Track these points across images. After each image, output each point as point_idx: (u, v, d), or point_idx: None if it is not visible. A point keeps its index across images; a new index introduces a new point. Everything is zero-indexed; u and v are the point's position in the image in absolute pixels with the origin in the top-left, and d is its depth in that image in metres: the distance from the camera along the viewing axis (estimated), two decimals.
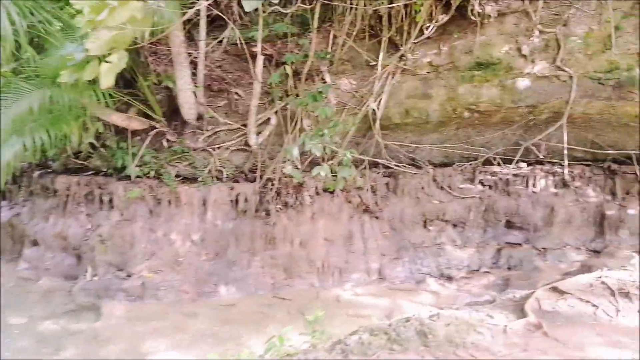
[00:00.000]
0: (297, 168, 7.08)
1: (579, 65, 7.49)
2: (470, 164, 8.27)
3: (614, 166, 8.12)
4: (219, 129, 7.39)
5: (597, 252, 8.02)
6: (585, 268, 7.05)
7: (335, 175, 6.99)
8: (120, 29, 4.92)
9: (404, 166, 8.11)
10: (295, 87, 7.42)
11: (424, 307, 6.87)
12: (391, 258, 7.74)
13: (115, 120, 7.23)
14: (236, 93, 7.33)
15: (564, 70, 7.48)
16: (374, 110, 7.58)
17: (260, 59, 6.82)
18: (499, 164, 8.28)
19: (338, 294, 7.33)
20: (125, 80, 7.38)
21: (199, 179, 7.40)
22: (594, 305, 3.28)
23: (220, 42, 7.54)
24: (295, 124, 7.41)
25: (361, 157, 7.83)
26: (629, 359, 2.70)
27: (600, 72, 7.47)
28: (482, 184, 8.31)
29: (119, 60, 5.23)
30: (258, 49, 6.75)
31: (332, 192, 7.71)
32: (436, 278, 7.65)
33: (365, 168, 7.94)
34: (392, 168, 8.08)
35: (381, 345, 3.03)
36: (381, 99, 7.55)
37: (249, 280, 7.33)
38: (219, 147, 7.42)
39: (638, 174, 8.02)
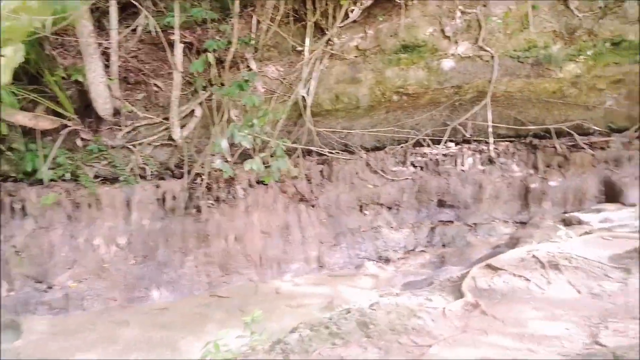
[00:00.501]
0: (226, 161, 6.78)
1: (499, 45, 7.72)
2: (402, 147, 8.34)
3: (535, 141, 8.51)
4: (138, 124, 6.91)
5: (523, 224, 8.39)
6: (514, 240, 7.34)
7: (269, 167, 6.78)
8: (14, 18, 4.38)
9: (338, 152, 8.04)
10: (220, 75, 7.08)
11: (363, 292, 6.89)
12: (329, 245, 7.68)
13: (21, 120, 6.55)
14: (155, 84, 6.88)
15: (485, 50, 7.67)
16: (303, 97, 7.41)
17: (178, 47, 6.42)
18: (428, 145, 8.42)
19: (278, 286, 7.17)
20: (30, 76, 6.70)
21: (121, 179, 6.91)
22: (527, 280, 3.35)
23: (134, 30, 7.02)
24: (222, 115, 7.09)
25: (294, 145, 7.67)
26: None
27: (520, 51, 7.74)
28: (414, 166, 8.43)
29: (14, 54, 4.67)
30: (176, 36, 6.35)
31: (266, 184, 7.50)
32: (374, 261, 7.69)
33: (298, 157, 7.79)
34: (326, 155, 7.99)
35: (322, 340, 2.90)
36: (310, 85, 7.40)
37: (183, 281, 6.99)
38: (140, 144, 6.96)
39: (557, 147, 8.45)
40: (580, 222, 7.69)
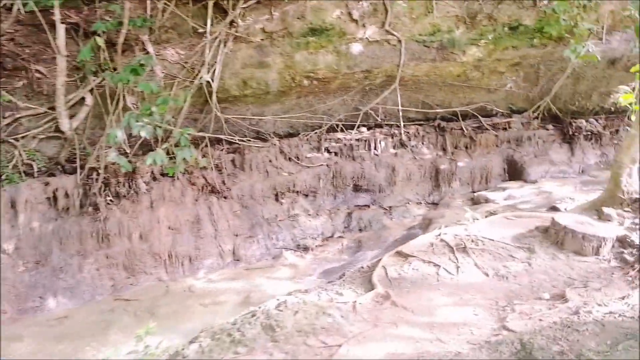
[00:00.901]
0: (124, 154, 6.21)
1: (405, 29, 7.75)
2: (315, 133, 8.19)
3: (443, 124, 8.74)
4: (19, 115, 6.12)
5: (435, 205, 8.64)
6: (426, 221, 7.51)
7: (174, 158, 6.30)
8: None
9: (249, 140, 7.72)
10: (112, 60, 6.44)
11: (282, 283, 6.70)
12: (245, 237, 7.38)
13: None
14: (37, 71, 6.09)
15: (392, 34, 7.66)
16: (208, 82, 6.97)
17: (60, 29, 5.73)
18: (342, 130, 8.35)
19: (190, 284, 6.78)
20: None
21: (3, 177, 6.11)
22: (436, 265, 3.34)
23: (10, 9, 6.17)
24: (117, 103, 6.47)
25: (201, 134, 7.23)
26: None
27: (425, 35, 7.83)
28: (329, 151, 8.32)
29: None
30: (56, 16, 5.65)
31: (172, 176, 7.01)
32: (293, 250, 7.53)
33: (207, 146, 7.36)
34: (237, 143, 7.63)
35: (224, 349, 2.65)
36: (215, 70, 6.96)
37: (83, 286, 6.38)
38: (22, 137, 6.18)
39: (464, 129, 8.73)
40: (487, 201, 8.04)
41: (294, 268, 7.14)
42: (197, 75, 6.92)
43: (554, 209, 4.91)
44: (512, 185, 8.44)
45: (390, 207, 8.38)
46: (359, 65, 7.67)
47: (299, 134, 8.15)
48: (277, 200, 7.83)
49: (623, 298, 2.75)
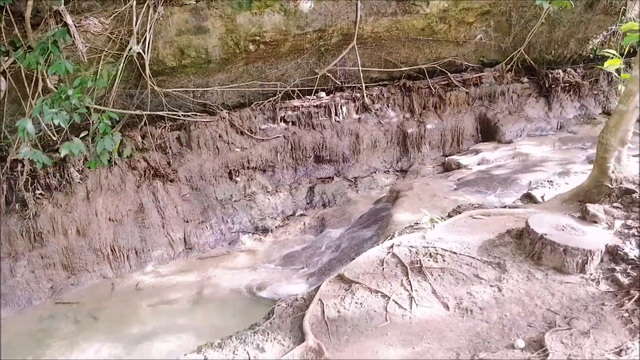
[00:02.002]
0: (36, 147, 5.47)
1: None
2: (269, 101, 7.47)
3: (409, 83, 8.03)
4: None
5: (404, 172, 8.07)
6: (394, 193, 6.95)
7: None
8: None
9: (194, 115, 6.98)
10: (25, 36, 5.59)
11: (239, 273, 6.18)
12: (196, 223, 6.79)
13: None
14: None
15: None
16: (140, 54, 6.16)
17: None
18: (298, 97, 7.63)
19: (139, 280, 6.23)
20: None
21: None
22: (385, 296, 2.70)
23: None
24: (36, 86, 5.68)
25: (137, 112, 6.48)
26: None
27: None
28: (285, 121, 7.63)
29: None
30: None
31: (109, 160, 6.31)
32: (250, 234, 6.96)
33: (145, 125, 6.63)
34: (181, 119, 6.90)
35: None
36: (147, 39, 6.13)
37: (17, 291, 5.81)
38: None
39: (431, 87, 8.05)
40: (459, 166, 7.49)
41: (252, 254, 6.60)
42: (126, 47, 6.09)
43: (529, 197, 4.21)
44: (486, 147, 7.86)
45: (355, 178, 7.80)
46: (311, 24, 6.86)
47: (251, 104, 7.42)
48: (231, 179, 7.19)
49: (619, 352, 2.13)
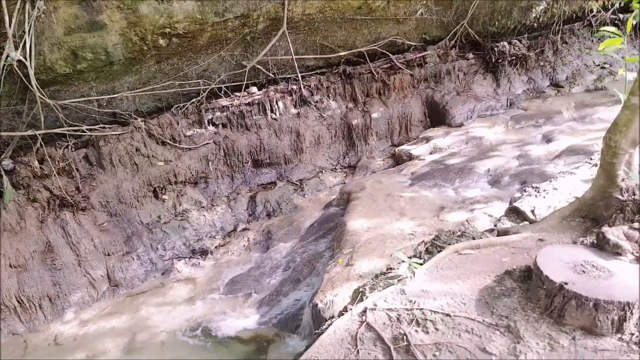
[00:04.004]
0: None
1: None
2: (192, 103, 6.47)
3: (349, 69, 7.25)
4: None
5: (352, 168, 7.35)
6: (345, 196, 6.22)
7: None
8: None
9: (102, 128, 5.89)
10: None
11: (178, 309, 5.27)
12: (120, 255, 5.77)
13: None
14: None
15: None
16: (21, 62, 4.98)
17: None
18: (227, 95, 6.67)
19: (57, 333, 5.18)
20: None
21: None
22: None
23: None
24: None
25: (27, 134, 5.32)
26: None
27: None
28: (214, 124, 6.67)
29: None
30: None
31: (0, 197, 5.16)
32: (187, 259, 6.02)
33: (42, 146, 5.48)
34: (86, 134, 5.79)
35: None
36: (27, 43, 4.96)
37: None
38: None
39: (374, 72, 7.32)
40: (410, 157, 6.86)
41: (191, 283, 5.69)
42: (1, 55, 4.90)
43: (515, 211, 3.47)
44: (437, 133, 7.27)
45: (300, 180, 6.99)
46: (231, 9, 5.89)
47: (171, 107, 6.40)
48: (156, 198, 6.19)
49: None
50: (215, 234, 6.31)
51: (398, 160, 6.96)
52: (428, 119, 7.66)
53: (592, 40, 8.79)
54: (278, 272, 5.42)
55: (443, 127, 7.42)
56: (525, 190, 3.69)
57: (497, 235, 2.89)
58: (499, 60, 7.95)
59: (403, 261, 2.55)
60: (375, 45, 7.26)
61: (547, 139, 6.73)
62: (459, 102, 7.58)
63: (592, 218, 2.79)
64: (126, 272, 5.71)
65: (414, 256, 2.95)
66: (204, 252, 6.09)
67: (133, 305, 5.45)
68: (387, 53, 7.36)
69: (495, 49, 7.94)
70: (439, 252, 2.76)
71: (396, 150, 7.14)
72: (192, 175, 6.41)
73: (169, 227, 6.12)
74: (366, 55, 7.23)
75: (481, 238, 2.87)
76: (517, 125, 7.25)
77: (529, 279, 2.36)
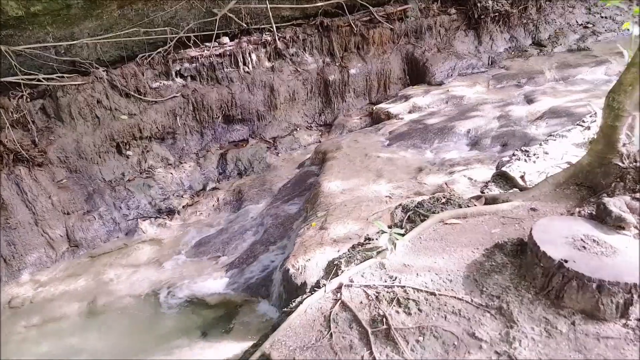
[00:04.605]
0: None
1: None
2: (159, 53, 6.03)
3: (327, 21, 6.86)
4: None
5: (328, 126, 7.09)
6: (319, 155, 5.99)
7: None
8: None
9: (61, 77, 5.44)
10: None
11: (142, 271, 5.04)
12: (81, 214, 5.46)
13: None
14: None
15: None
16: None
17: None
18: (196, 45, 6.24)
19: (12, 296, 4.93)
20: None
21: None
22: None
23: None
24: None
25: None
26: None
27: None
28: (182, 76, 6.27)
29: None
30: None
31: None
32: (152, 219, 5.75)
33: None
34: (43, 84, 5.34)
35: None
36: None
37: None
38: None
39: (352, 25, 6.95)
40: (388, 116, 6.62)
41: (156, 244, 5.44)
42: None
43: (504, 177, 3.14)
44: (416, 92, 7.02)
45: (274, 138, 6.71)
46: None
47: (136, 57, 5.95)
48: (120, 153, 5.84)
49: None
50: (183, 193, 6.03)
51: (376, 119, 6.72)
52: (407, 77, 7.39)
53: None
54: (249, 234, 5.21)
55: (423, 85, 7.18)
56: (513, 154, 3.49)
57: (485, 203, 2.71)
58: (482, 17, 7.66)
59: (383, 231, 2.35)
60: None
61: (529, 99, 6.57)
62: (439, 59, 7.31)
63: (588, 186, 2.61)
64: (87, 232, 5.41)
65: (395, 225, 2.75)
66: (170, 212, 5.82)
67: (94, 267, 5.19)
68: (367, 5, 6.98)
69: (478, 4, 7.63)
70: (422, 221, 2.56)
71: (374, 108, 6.89)
72: (159, 130, 6.05)
73: (133, 185, 5.80)
74: (345, 7, 6.84)
75: (468, 206, 2.67)
76: (499, 85, 7.05)
77: (522, 253, 2.17)
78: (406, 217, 2.68)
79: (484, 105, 6.47)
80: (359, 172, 5.31)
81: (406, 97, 6.86)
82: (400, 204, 4.46)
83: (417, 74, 7.31)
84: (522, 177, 2.98)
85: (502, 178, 3.13)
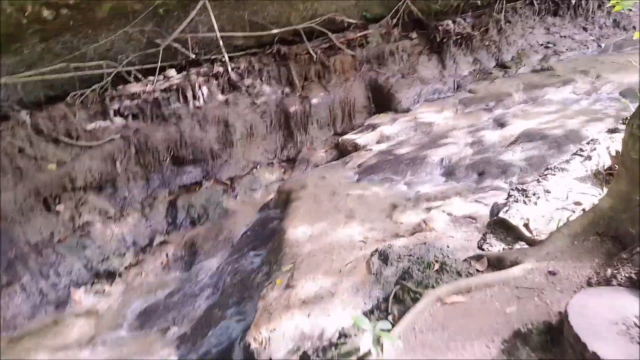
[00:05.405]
0: None
1: None
2: (93, 90, 5.27)
3: (284, 49, 6.31)
4: None
5: (291, 161, 6.46)
6: (283, 195, 5.32)
7: None
8: None
9: None
10: None
11: (72, 354, 4.15)
12: None
13: None
14: None
15: None
16: None
17: None
18: (137, 80, 5.53)
19: None
20: None
21: None
22: None
23: None
24: None
25: None
26: None
27: None
28: (122, 115, 5.52)
29: None
30: None
31: None
32: (88, 285, 4.86)
33: None
34: None
35: None
36: None
37: None
38: None
39: (312, 52, 6.43)
40: (356, 148, 6.07)
41: (93, 317, 4.54)
42: None
43: (503, 225, 2.56)
44: (383, 120, 6.52)
45: (231, 179, 5.99)
46: None
47: (67, 96, 5.16)
48: (48, 209, 4.96)
49: None
50: (126, 250, 5.18)
51: (342, 151, 6.15)
52: (373, 105, 6.90)
53: (534, 20, 8.43)
54: (203, 296, 4.43)
55: (389, 113, 6.70)
56: (510, 195, 2.92)
57: (488, 266, 2.11)
58: (444, 40, 7.34)
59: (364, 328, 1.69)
60: (312, 23, 6.37)
61: (500, 123, 6.20)
62: (404, 85, 6.88)
63: (612, 236, 2.06)
64: (6, 310, 4.44)
65: (377, 309, 2.10)
66: (111, 275, 4.95)
67: (14, 353, 4.24)
68: (326, 31, 6.50)
69: (440, 27, 7.31)
70: (413, 299, 1.92)
71: (340, 140, 6.32)
72: (95, 179, 5.23)
73: (64, 247, 4.91)
74: (303, 34, 6.33)
75: (469, 273, 2.06)
76: (467, 109, 6.67)
77: (555, 345, 1.56)
78: (392, 296, 2.02)
79: (454, 132, 6.04)
80: (327, 213, 4.68)
81: (373, 127, 6.34)
82: (376, 249, 3.87)
83: (383, 101, 6.84)
84: (526, 225, 2.41)
85: (502, 227, 2.53)
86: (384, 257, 3.71)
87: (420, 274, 2.09)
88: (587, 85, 7.03)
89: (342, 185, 5.24)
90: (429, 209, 4.47)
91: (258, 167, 6.21)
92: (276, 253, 4.21)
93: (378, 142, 6.08)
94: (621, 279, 1.78)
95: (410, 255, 3.77)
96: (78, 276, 4.82)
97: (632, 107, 5.74)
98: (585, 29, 8.71)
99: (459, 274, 2.04)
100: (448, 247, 3.77)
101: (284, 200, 5.29)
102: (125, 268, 5.00)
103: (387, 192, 5.04)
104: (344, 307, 3.34)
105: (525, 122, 6.07)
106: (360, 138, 6.20)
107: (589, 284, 1.83)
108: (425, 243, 3.82)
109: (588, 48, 8.47)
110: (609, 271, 1.85)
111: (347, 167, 5.66)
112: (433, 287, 1.96)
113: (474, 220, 4.26)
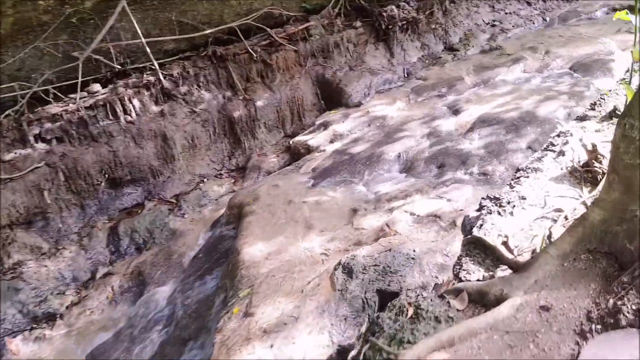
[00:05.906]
0: None
1: None
2: (7, 115, 4.69)
3: (220, 50, 5.86)
4: None
5: (241, 170, 6.05)
6: (234, 210, 4.93)
7: None
8: None
9: None
10: None
11: None
12: None
13: None
14: None
15: None
16: None
17: None
18: (57, 99, 4.97)
19: None
20: None
21: None
22: None
23: None
24: None
25: None
26: None
27: None
28: (45, 140, 4.95)
29: None
30: None
31: None
32: (26, 332, 4.35)
33: None
34: None
35: None
36: None
37: None
38: None
39: (251, 51, 6.00)
40: (309, 150, 5.73)
41: None
42: None
43: (479, 245, 1.98)
44: (335, 117, 6.19)
45: (176, 196, 5.54)
46: None
47: None
48: None
49: None
50: (65, 288, 4.68)
51: (295, 154, 5.80)
52: (322, 101, 6.55)
53: None
54: (155, 331, 4.02)
55: (340, 109, 6.37)
56: (482, 206, 2.61)
57: (469, 300, 1.81)
58: (390, 27, 7.04)
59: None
60: (248, 19, 5.95)
61: (454, 110, 6.00)
62: (353, 78, 6.56)
63: (606, 253, 1.79)
64: None
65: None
66: (50, 317, 4.45)
67: None
68: (264, 27, 6.08)
69: (384, 14, 7.01)
70: None
71: (291, 142, 5.95)
72: (21, 213, 4.68)
73: None
74: (239, 32, 5.89)
75: (449, 317, 1.74)
76: (420, 98, 6.42)
77: None
78: (361, 356, 1.69)
79: (409, 124, 5.79)
80: (284, 226, 4.34)
81: (325, 125, 6.00)
82: (339, 262, 3.59)
83: (332, 97, 6.50)
84: (505, 244, 2.10)
85: (478, 247, 2.20)
86: (348, 270, 3.42)
87: (392, 325, 1.76)
88: (537, 63, 6.91)
89: (297, 192, 4.90)
90: (390, 210, 4.23)
91: (205, 180, 5.77)
92: (232, 276, 3.85)
93: (331, 142, 5.75)
94: (628, 312, 1.51)
95: (375, 265, 3.51)
96: (13, 324, 4.31)
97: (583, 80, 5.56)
98: (529, 3, 8.62)
99: (437, 319, 1.72)
100: (414, 251, 3.53)
101: (236, 215, 4.91)
102: (67, 308, 4.51)
103: (345, 195, 4.74)
104: (310, 331, 3.04)
105: (480, 107, 5.89)
106: (312, 139, 5.85)
107: (589, 319, 1.56)
108: (390, 250, 3.57)
109: (534, 23, 8.39)
110: (611, 302, 1.58)
111: (301, 172, 5.31)
112: (409, 342, 1.64)
113: (438, 218, 4.04)
